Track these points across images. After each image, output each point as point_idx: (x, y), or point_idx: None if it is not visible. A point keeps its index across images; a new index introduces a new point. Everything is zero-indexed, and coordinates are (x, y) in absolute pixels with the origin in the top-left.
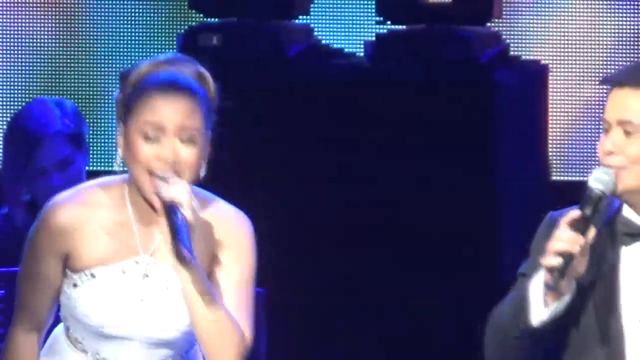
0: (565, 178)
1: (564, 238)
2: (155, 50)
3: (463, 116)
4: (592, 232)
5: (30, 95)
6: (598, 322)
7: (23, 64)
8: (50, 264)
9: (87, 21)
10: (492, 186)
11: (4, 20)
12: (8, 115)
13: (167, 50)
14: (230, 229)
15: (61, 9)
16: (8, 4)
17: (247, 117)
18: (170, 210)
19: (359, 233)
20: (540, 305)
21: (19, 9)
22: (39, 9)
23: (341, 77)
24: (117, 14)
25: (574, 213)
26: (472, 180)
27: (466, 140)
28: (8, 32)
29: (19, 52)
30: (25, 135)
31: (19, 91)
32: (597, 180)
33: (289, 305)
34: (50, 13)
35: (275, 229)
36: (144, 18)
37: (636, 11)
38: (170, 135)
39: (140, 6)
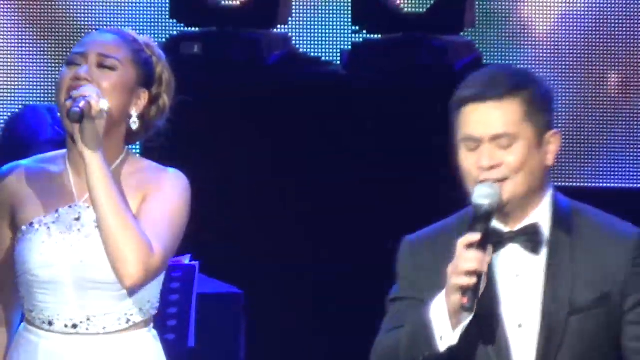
0: None
1: (472, 258)
2: None
3: (438, 122)
4: (490, 248)
5: (22, 102)
6: (484, 332)
7: (13, 71)
8: (2, 227)
9: (72, 29)
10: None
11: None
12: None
13: None
14: (165, 176)
15: (46, 18)
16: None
17: (226, 122)
18: (73, 99)
19: (344, 228)
20: (448, 329)
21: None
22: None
23: (318, 84)
24: (101, 23)
25: (472, 235)
26: (448, 180)
27: (441, 143)
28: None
29: (7, 60)
30: (16, 142)
31: (10, 98)
32: (483, 197)
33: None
34: (35, 20)
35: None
36: (127, 26)
37: (605, 20)
38: (89, 61)
39: (123, 15)
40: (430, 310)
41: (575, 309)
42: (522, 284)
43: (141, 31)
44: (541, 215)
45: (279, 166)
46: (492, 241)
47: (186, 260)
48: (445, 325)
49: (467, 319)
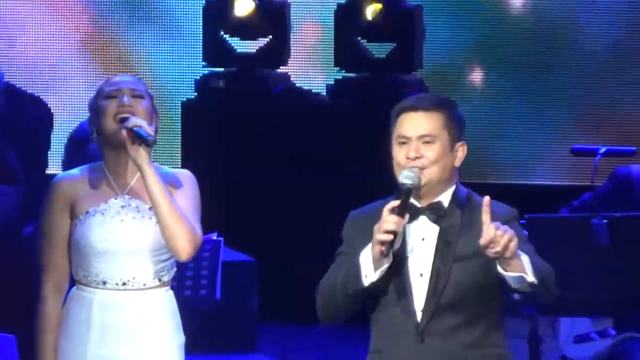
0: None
1: (392, 220)
2: (178, 90)
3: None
4: (406, 215)
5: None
6: (396, 277)
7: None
8: (64, 219)
9: (126, 70)
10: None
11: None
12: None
13: (187, 91)
14: (182, 177)
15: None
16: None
17: (243, 136)
18: (130, 127)
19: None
20: (371, 270)
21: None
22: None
23: (310, 109)
24: (148, 66)
25: (394, 203)
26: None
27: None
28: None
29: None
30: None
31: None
32: (407, 178)
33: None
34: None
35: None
36: (169, 68)
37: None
38: (125, 94)
39: (165, 60)
40: (360, 256)
41: (457, 259)
42: (425, 244)
43: (181, 72)
44: (445, 197)
45: (282, 167)
46: (409, 212)
47: (214, 236)
48: (369, 267)
49: (386, 265)
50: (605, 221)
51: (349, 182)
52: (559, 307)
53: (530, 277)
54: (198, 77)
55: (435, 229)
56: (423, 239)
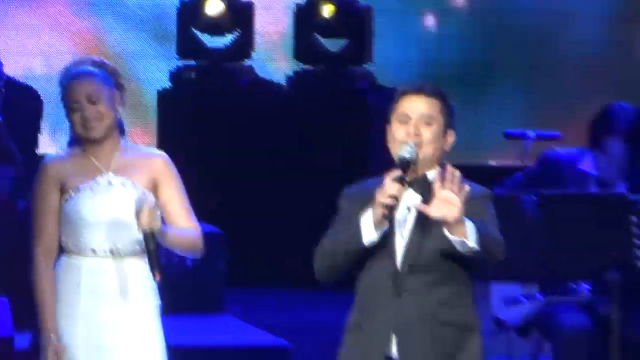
0: None
1: (394, 187)
2: (154, 80)
3: (348, 123)
4: (405, 184)
5: None
6: (388, 238)
7: None
8: (53, 194)
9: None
10: (365, 162)
11: None
12: None
13: (160, 80)
14: (157, 157)
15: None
16: None
17: (213, 122)
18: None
19: (286, 183)
20: (372, 231)
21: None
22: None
23: (272, 97)
24: (124, 56)
25: (396, 172)
26: (350, 157)
27: (349, 137)
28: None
29: None
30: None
31: None
32: (406, 151)
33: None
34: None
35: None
36: (144, 59)
37: None
38: (83, 102)
39: (140, 53)
40: (361, 218)
41: (434, 226)
42: (409, 213)
43: (155, 64)
44: (431, 174)
45: (248, 152)
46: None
47: None
48: (370, 227)
49: (386, 227)
50: (534, 198)
51: (310, 165)
52: (492, 274)
53: (471, 243)
54: (173, 69)
55: (415, 199)
56: (408, 209)
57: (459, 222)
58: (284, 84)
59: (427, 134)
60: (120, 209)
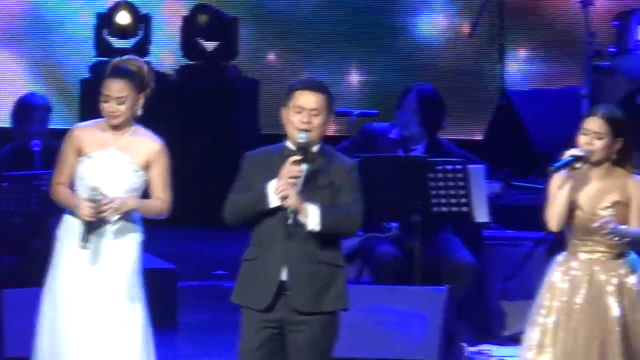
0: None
1: (295, 169)
2: (77, 72)
3: (220, 104)
4: (304, 165)
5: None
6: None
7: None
8: (71, 154)
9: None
10: (233, 142)
11: None
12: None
13: (84, 73)
14: (156, 145)
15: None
16: None
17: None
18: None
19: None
20: (275, 199)
21: None
22: None
23: (162, 87)
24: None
25: (296, 157)
26: (222, 135)
27: (220, 113)
28: None
29: None
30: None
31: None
32: (302, 138)
33: None
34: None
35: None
36: (69, 56)
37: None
38: (111, 98)
39: (67, 53)
40: (267, 186)
41: (318, 188)
42: (300, 179)
43: (79, 59)
44: (315, 149)
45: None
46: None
47: None
48: (274, 197)
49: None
50: (358, 160)
51: (191, 132)
52: None
53: (310, 226)
54: (91, 63)
55: (307, 168)
56: (307, 178)
57: (302, 209)
58: (174, 74)
59: (316, 122)
60: (113, 180)
